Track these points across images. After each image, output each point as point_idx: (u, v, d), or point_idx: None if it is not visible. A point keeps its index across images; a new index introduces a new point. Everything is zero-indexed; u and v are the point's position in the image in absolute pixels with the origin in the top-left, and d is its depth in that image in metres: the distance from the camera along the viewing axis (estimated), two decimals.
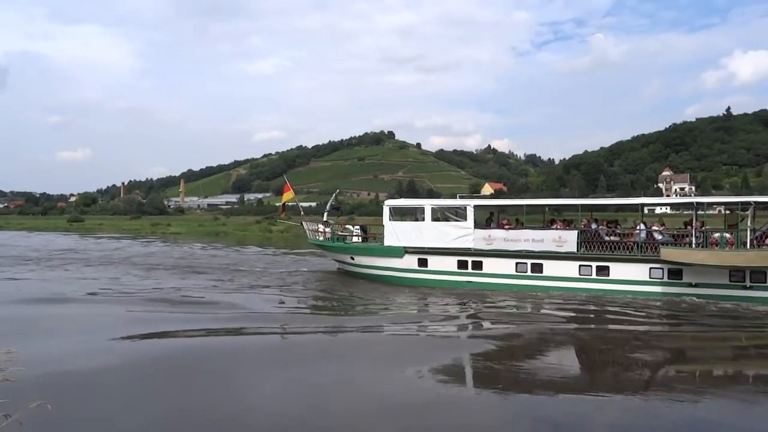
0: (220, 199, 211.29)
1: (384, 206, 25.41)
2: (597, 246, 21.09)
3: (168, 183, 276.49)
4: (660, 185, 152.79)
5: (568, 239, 21.20)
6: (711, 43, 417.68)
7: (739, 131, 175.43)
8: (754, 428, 9.17)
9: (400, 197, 71.88)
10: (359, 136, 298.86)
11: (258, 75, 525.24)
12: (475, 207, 23.25)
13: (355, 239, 27.34)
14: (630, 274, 20.23)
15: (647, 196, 75.80)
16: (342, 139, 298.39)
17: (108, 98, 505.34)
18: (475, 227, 22.84)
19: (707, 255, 18.85)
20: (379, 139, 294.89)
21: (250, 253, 42.66)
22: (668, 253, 19.33)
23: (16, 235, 69.82)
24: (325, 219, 28.59)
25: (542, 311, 18.50)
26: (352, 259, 26.34)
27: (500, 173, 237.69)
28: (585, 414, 9.43)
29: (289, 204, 31.30)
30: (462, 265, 22.84)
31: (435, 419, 9.10)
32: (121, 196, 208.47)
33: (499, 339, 14.77)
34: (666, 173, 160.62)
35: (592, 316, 18.05)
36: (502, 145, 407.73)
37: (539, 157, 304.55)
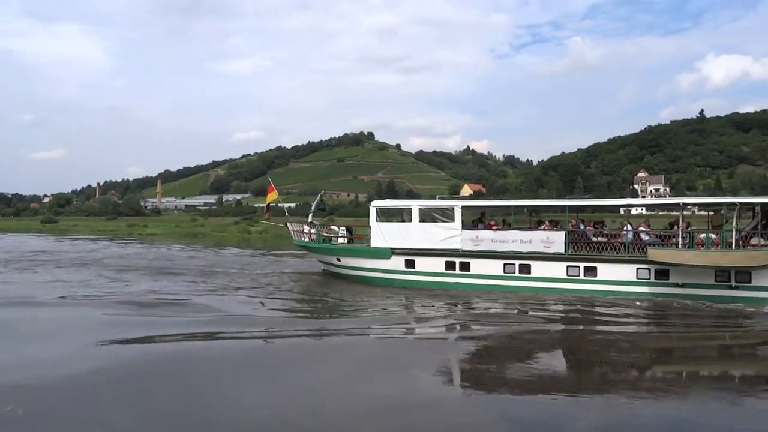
0: (197, 200, 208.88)
1: (370, 207, 25.13)
2: (584, 247, 21.09)
3: (144, 183, 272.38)
4: (636, 186, 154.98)
5: (556, 240, 21.14)
6: (685, 47, 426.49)
7: (712, 134, 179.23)
8: (738, 428, 9.15)
9: (380, 198, 71.71)
10: (339, 137, 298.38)
11: (237, 75, 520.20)
12: (463, 208, 23.09)
13: (340, 240, 26.96)
14: (617, 275, 20.25)
15: (623, 197, 77.28)
16: (321, 140, 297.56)
17: (84, 97, 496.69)
18: (462, 228, 22.64)
19: (694, 255, 18.95)
20: (359, 140, 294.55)
21: (228, 254, 41.94)
22: (655, 253, 19.38)
23: None
24: (310, 220, 28.15)
25: (530, 312, 18.40)
26: (338, 260, 25.98)
27: (479, 174, 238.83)
28: (569, 414, 9.44)
29: (277, 205, 30.58)
30: (450, 266, 22.66)
31: (421, 420, 9.08)
32: (97, 196, 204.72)
33: (486, 340, 14.75)
34: (641, 175, 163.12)
35: (579, 316, 18.00)
36: (481, 147, 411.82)
37: (518, 158, 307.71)
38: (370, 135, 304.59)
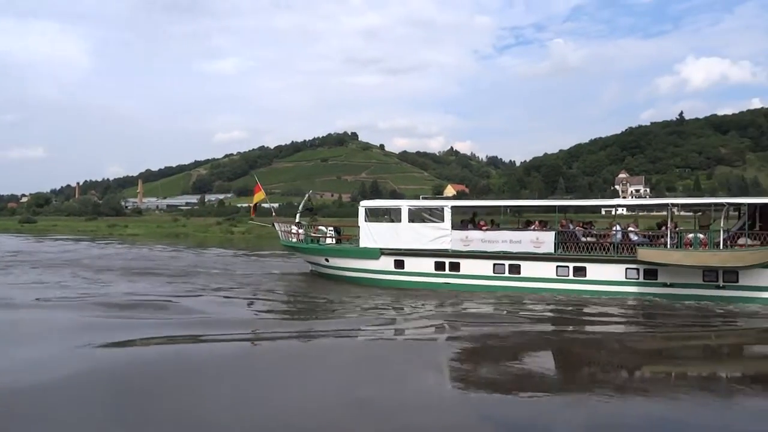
0: (179, 200, 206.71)
1: (359, 207, 24.86)
2: (574, 247, 21.09)
3: (125, 183, 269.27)
4: (617, 187, 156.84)
5: (546, 240, 21.09)
6: (665, 50, 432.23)
7: (691, 135, 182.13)
8: (726, 428, 9.12)
9: (364, 198, 71.49)
10: (322, 137, 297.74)
11: (220, 74, 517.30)
12: (452, 208, 22.95)
13: (328, 241, 26.64)
14: (606, 275, 20.27)
15: (604, 198, 78.06)
16: (305, 140, 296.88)
17: (64, 96, 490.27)
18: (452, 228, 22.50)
19: (683, 256, 19.03)
20: (343, 140, 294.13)
21: (211, 254, 41.31)
22: (645, 253, 19.41)
23: None
24: (297, 220, 27.76)
25: (519, 312, 18.27)
26: (327, 261, 25.66)
27: (462, 175, 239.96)
28: (557, 414, 9.47)
29: (260, 205, 30.07)
30: (439, 266, 22.50)
31: (410, 420, 9.07)
32: (76, 196, 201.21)
33: (475, 341, 14.69)
34: (622, 175, 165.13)
35: (568, 316, 17.93)
36: (464, 147, 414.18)
37: (501, 159, 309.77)
38: (354, 135, 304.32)
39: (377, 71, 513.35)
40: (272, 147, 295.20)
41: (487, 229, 22.55)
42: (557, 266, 20.81)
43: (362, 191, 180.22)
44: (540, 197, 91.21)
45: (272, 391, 10.50)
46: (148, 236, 71.09)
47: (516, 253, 21.32)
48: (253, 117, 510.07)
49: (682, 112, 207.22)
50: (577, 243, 21.08)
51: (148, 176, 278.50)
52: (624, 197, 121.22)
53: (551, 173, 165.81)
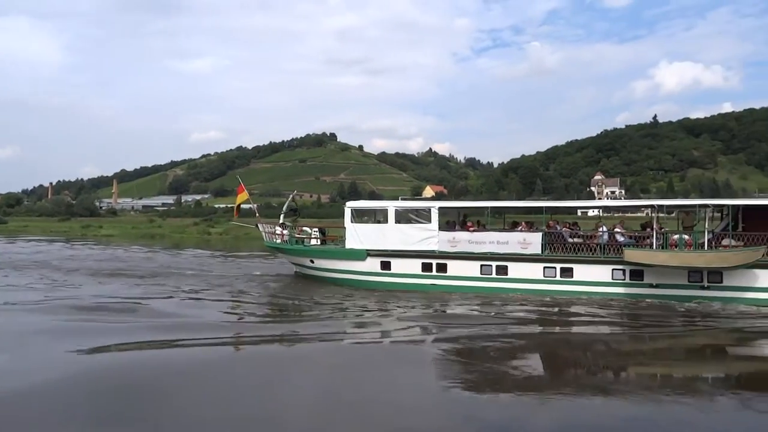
0: (155, 201, 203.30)
1: (345, 208, 24.51)
2: (561, 248, 21.08)
3: (100, 183, 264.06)
4: (592, 189, 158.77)
5: (533, 241, 21.04)
6: (640, 54, 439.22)
7: (664, 138, 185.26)
8: (709, 427, 9.11)
9: (343, 199, 71.07)
10: (301, 137, 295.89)
11: (197, 74, 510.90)
12: (440, 209, 22.76)
13: (313, 242, 26.18)
14: (593, 276, 20.28)
15: (580, 200, 78.85)
16: (283, 141, 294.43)
17: (36, 94, 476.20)
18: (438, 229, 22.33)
19: (669, 256, 19.09)
20: (321, 141, 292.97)
21: (187, 255, 40.48)
22: (631, 254, 19.42)
23: None
24: (281, 221, 27.23)
25: (506, 313, 18.15)
26: (312, 262, 25.23)
27: (441, 176, 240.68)
28: (543, 414, 9.51)
29: (240, 206, 29.39)
30: (426, 267, 22.30)
31: (395, 422, 9.05)
32: (49, 196, 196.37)
33: (462, 342, 14.61)
34: (598, 177, 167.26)
35: (554, 317, 17.88)
36: (443, 149, 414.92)
37: (479, 160, 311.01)
38: (333, 136, 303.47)
39: (357, 72, 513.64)
40: (250, 147, 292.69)
41: (474, 230, 22.39)
42: (544, 267, 20.75)
43: (341, 192, 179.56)
44: (518, 198, 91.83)
45: (256, 394, 10.24)
46: (123, 237, 69.68)
47: (503, 254, 21.22)
48: (230, 117, 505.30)
49: (656, 116, 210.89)
50: (564, 244, 21.09)
51: (123, 176, 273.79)
52: (599, 198, 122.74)
53: (528, 174, 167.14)
